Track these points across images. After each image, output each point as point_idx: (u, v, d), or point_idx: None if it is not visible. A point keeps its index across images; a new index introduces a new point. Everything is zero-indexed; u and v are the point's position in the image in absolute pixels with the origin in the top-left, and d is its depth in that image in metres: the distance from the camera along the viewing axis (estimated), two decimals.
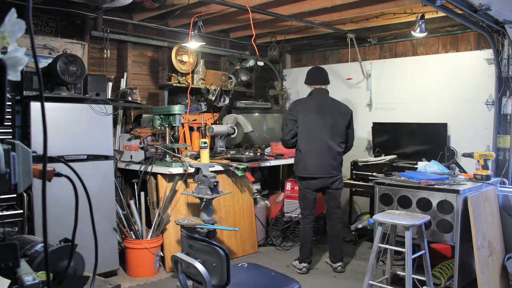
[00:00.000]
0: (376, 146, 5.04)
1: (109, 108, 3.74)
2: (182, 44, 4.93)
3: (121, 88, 4.50)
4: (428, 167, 3.81)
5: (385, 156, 4.84)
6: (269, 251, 4.70)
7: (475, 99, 4.50)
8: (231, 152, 4.77)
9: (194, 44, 4.42)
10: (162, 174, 4.01)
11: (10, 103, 3.18)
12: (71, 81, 3.48)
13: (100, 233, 3.51)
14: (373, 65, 5.32)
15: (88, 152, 3.61)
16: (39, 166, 0.90)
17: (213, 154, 4.56)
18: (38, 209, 3.28)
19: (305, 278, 3.91)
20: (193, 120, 4.84)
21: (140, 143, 4.17)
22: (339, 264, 4.04)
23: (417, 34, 4.07)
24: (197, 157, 4.33)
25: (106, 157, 3.72)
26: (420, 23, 3.97)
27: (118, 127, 4.48)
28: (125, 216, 3.91)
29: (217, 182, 3.44)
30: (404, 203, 3.42)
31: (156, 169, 4.01)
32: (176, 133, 4.49)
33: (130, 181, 4.30)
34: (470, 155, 3.72)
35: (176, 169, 3.92)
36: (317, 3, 4.08)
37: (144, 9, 4.32)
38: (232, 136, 4.80)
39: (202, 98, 5.12)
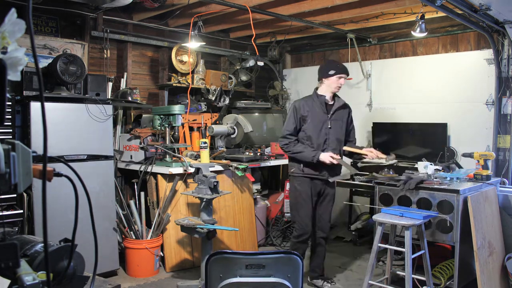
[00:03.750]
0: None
1: (109, 108, 3.73)
2: (182, 44, 4.92)
3: (121, 88, 4.50)
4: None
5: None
6: None
7: (475, 99, 4.50)
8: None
9: (194, 44, 4.42)
10: (162, 174, 4.01)
11: (10, 103, 3.18)
12: (71, 81, 3.48)
13: (100, 233, 3.51)
14: (373, 65, 5.31)
15: (88, 152, 3.61)
16: (39, 166, 0.90)
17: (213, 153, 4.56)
18: (38, 209, 3.27)
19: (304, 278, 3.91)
20: (193, 120, 4.84)
21: (140, 143, 4.17)
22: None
23: (417, 34, 4.07)
24: (197, 157, 4.33)
25: (106, 157, 3.72)
26: (420, 23, 3.96)
27: (118, 127, 4.47)
28: (125, 216, 3.91)
29: (217, 182, 3.43)
30: (404, 203, 3.42)
31: (156, 169, 4.01)
32: (176, 133, 4.49)
33: (130, 181, 4.30)
34: (470, 155, 3.72)
35: (176, 169, 3.92)
36: (317, 3, 4.08)
37: (144, 9, 4.32)
38: (232, 136, 4.80)
39: (202, 98, 5.12)
